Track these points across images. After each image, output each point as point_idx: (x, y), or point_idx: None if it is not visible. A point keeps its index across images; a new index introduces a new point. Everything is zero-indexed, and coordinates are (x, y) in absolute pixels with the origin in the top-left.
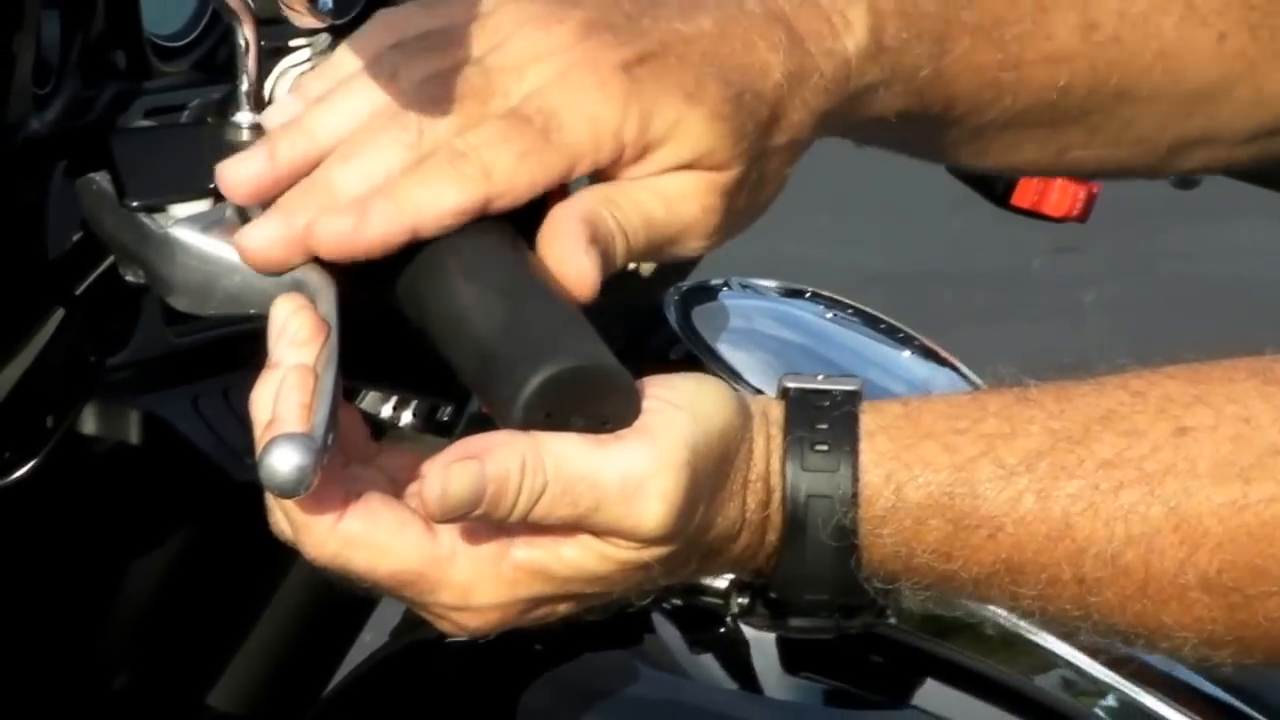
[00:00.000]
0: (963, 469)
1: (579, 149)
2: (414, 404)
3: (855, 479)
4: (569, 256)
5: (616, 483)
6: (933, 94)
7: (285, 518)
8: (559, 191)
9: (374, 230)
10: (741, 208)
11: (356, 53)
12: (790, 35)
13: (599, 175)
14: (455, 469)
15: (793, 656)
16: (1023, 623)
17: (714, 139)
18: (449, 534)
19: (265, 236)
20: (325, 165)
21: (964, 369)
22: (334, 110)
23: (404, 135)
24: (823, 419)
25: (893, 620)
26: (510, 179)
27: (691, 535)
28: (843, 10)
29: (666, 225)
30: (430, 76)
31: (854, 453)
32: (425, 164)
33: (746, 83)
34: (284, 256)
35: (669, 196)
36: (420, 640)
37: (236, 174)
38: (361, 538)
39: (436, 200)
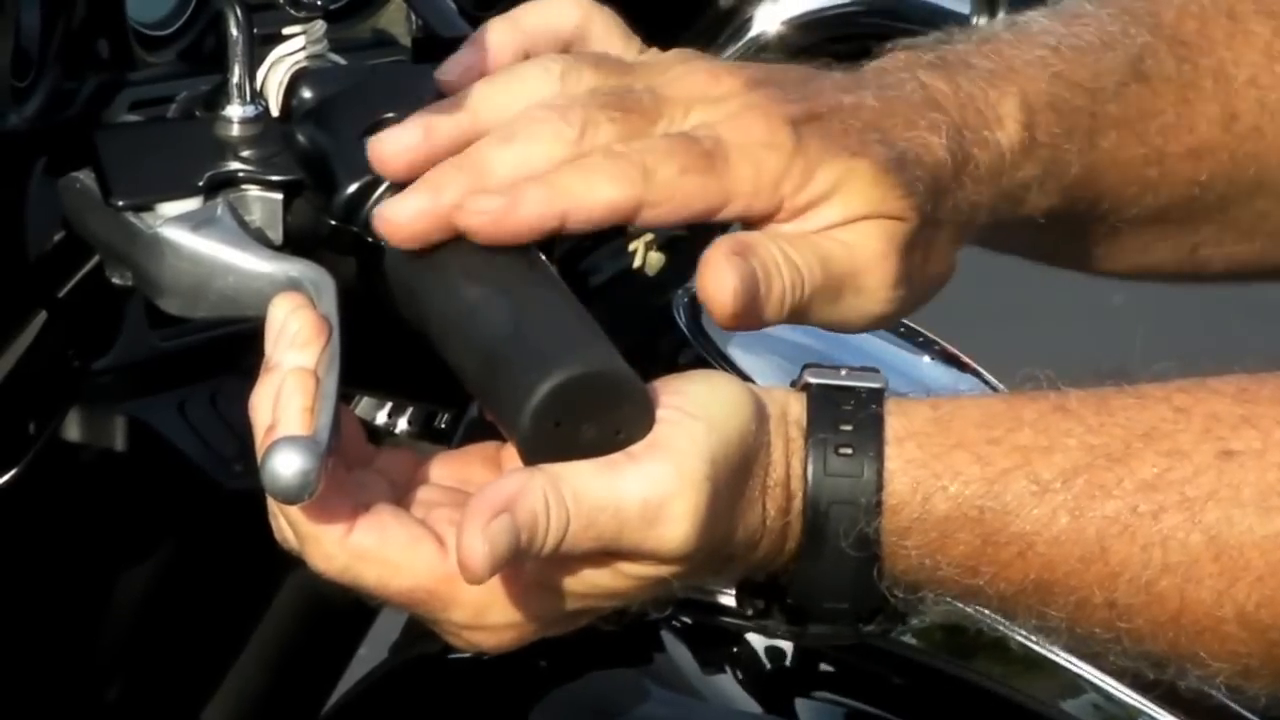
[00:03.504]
0: (995, 481)
1: (738, 187)
2: (410, 410)
3: (880, 486)
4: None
5: (637, 507)
6: (1080, 191)
7: (291, 527)
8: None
9: (526, 212)
10: (915, 271)
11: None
12: (948, 121)
13: (748, 227)
14: (494, 527)
15: (807, 677)
16: (1047, 643)
17: (883, 190)
18: None
19: (411, 209)
20: (483, 144)
21: (986, 375)
22: (502, 91)
23: (566, 130)
24: (846, 419)
25: (911, 639)
26: (669, 190)
27: (713, 546)
28: (995, 104)
29: (844, 263)
30: (599, 87)
31: (879, 458)
32: (584, 158)
33: (910, 152)
34: (426, 230)
35: (845, 242)
36: (421, 656)
37: (390, 146)
38: (372, 553)
39: (591, 192)
